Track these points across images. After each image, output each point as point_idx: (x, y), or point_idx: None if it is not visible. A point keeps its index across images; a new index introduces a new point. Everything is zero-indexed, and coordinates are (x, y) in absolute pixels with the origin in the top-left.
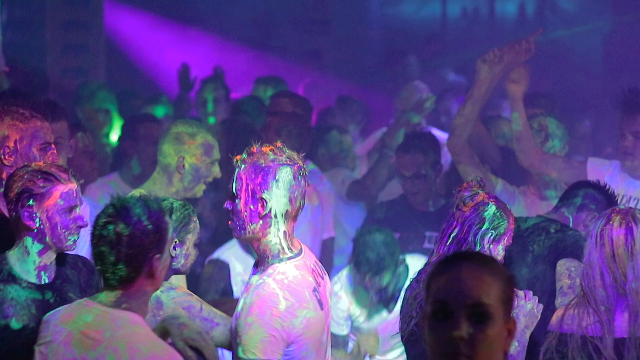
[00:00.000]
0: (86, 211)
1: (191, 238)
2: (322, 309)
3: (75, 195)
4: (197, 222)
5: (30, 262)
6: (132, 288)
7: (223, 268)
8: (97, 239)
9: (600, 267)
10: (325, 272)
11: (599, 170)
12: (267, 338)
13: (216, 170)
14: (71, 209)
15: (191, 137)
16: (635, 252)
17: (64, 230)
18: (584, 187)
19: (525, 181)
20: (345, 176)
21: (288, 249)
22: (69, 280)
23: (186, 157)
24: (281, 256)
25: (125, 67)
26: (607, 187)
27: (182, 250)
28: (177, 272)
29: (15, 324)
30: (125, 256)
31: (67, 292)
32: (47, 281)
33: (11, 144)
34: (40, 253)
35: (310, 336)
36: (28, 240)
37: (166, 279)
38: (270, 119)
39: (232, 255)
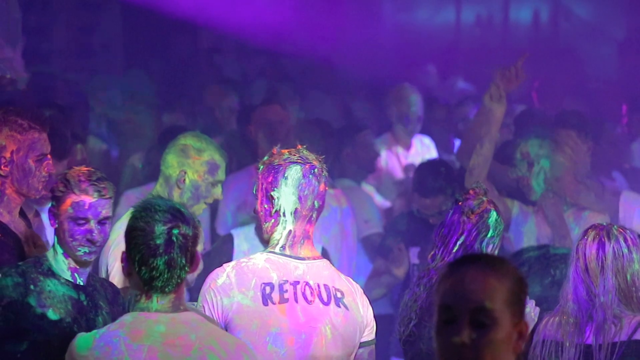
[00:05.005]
0: None
1: (198, 249)
2: (264, 304)
3: (87, 207)
4: (203, 232)
5: (61, 262)
6: (181, 288)
7: (228, 242)
8: (164, 247)
9: (574, 280)
10: (340, 304)
11: (632, 204)
12: (200, 308)
13: (217, 192)
14: (80, 219)
15: (198, 153)
16: (606, 267)
17: (70, 239)
18: None
19: (535, 202)
20: (370, 215)
21: (281, 246)
22: (97, 290)
23: (188, 171)
24: (268, 248)
25: (142, 72)
26: None
27: None
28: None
29: (52, 315)
30: (190, 256)
31: (98, 300)
32: (81, 283)
33: (7, 155)
34: (66, 255)
35: (241, 325)
36: (56, 239)
37: None
38: (292, 125)
39: (243, 233)
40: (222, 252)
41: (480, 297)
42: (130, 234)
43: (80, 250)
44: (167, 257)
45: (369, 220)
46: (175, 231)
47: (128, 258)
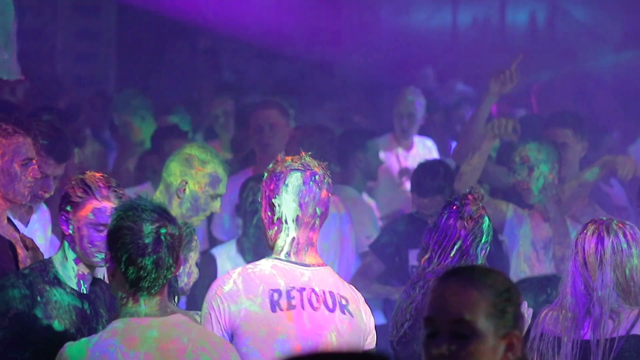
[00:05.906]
0: None
1: (193, 256)
2: (273, 311)
3: (109, 214)
4: (198, 240)
5: (69, 269)
6: (165, 289)
7: (210, 263)
8: (153, 246)
9: (572, 275)
10: (345, 311)
11: None
12: (206, 315)
13: (216, 206)
14: (101, 226)
15: (202, 164)
16: (604, 262)
17: (89, 245)
18: None
19: (531, 205)
20: (370, 231)
21: (286, 253)
22: (98, 297)
23: (189, 182)
24: (273, 254)
25: (136, 77)
26: None
27: (185, 269)
28: (180, 290)
29: (58, 326)
30: (177, 256)
31: (99, 307)
32: (85, 292)
33: None
34: (77, 261)
35: (250, 332)
36: (66, 244)
37: (170, 299)
38: (294, 132)
39: (225, 252)
40: (205, 273)
41: (459, 310)
42: (117, 234)
43: (97, 257)
44: (156, 257)
45: (370, 236)
46: (163, 230)
47: (114, 258)
